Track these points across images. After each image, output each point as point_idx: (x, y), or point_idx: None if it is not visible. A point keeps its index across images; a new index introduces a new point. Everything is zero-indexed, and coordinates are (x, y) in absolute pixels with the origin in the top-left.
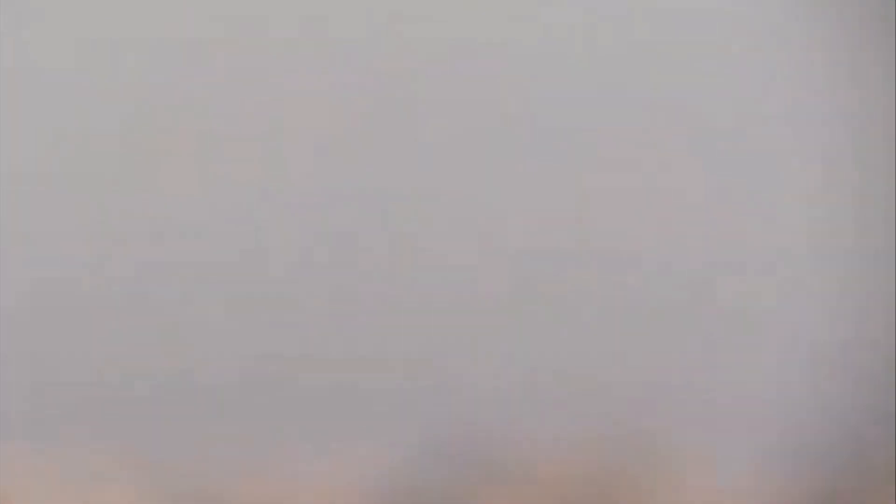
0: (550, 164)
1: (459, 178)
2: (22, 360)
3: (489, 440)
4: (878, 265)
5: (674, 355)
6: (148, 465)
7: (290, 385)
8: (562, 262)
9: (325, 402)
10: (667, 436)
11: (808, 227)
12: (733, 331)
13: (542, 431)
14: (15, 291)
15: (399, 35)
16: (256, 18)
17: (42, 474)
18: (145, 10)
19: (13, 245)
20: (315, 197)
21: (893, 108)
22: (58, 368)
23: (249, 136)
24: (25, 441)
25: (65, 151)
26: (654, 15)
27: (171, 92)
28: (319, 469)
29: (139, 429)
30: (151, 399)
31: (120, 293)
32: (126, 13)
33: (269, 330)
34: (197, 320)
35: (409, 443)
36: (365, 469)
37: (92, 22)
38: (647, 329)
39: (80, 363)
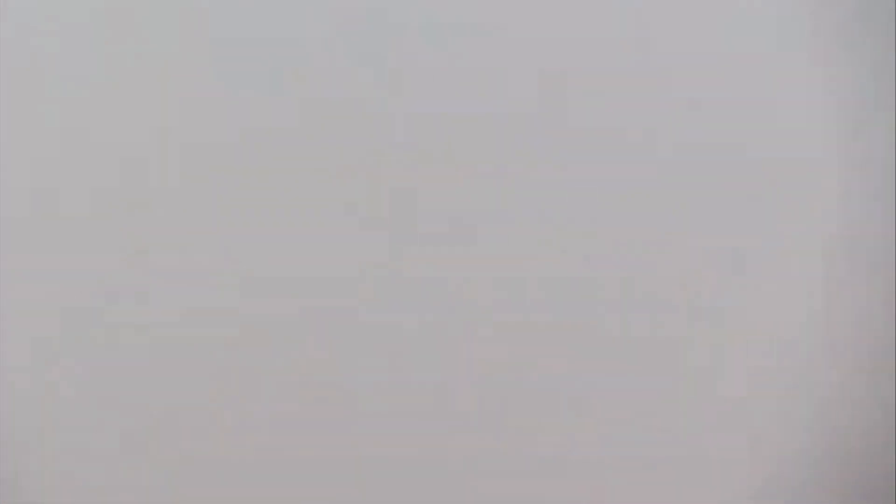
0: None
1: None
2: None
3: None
4: (878, 265)
5: (673, 354)
6: None
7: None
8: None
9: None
10: (660, 439)
11: (806, 228)
12: (731, 330)
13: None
14: None
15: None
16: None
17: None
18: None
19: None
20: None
21: (894, 108)
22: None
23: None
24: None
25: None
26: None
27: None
28: None
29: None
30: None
31: None
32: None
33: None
34: None
35: None
36: None
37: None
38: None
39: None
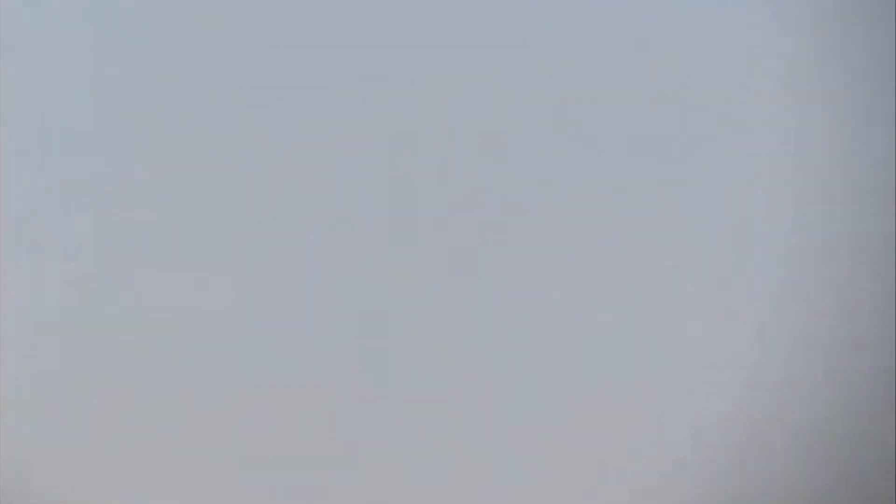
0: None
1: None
2: None
3: None
4: (878, 265)
5: (673, 354)
6: None
7: None
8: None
9: None
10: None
11: (807, 228)
12: (732, 331)
13: None
14: None
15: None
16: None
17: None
18: None
19: None
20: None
21: (894, 108)
22: None
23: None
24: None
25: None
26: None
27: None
28: None
29: None
30: None
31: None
32: None
33: None
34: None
35: None
36: None
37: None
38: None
39: None
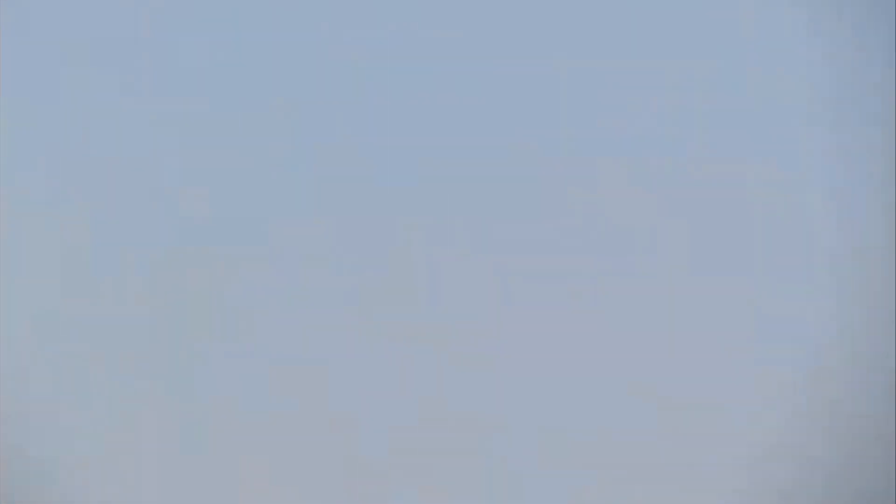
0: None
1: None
2: None
3: None
4: (877, 265)
5: (676, 356)
6: None
7: None
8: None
9: None
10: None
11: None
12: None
13: None
14: None
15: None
16: None
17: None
18: None
19: None
20: None
21: (894, 108)
22: None
23: None
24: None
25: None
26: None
27: None
28: None
29: None
30: None
31: None
32: None
33: None
34: None
35: None
36: None
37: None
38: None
39: None
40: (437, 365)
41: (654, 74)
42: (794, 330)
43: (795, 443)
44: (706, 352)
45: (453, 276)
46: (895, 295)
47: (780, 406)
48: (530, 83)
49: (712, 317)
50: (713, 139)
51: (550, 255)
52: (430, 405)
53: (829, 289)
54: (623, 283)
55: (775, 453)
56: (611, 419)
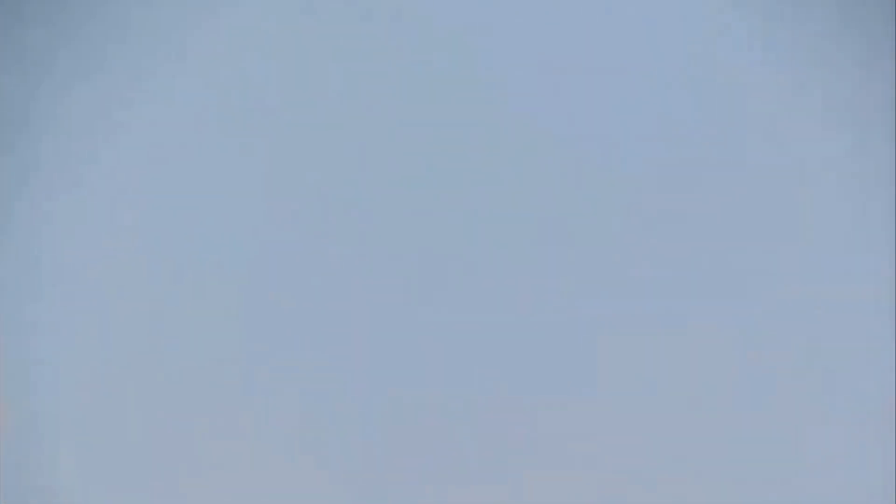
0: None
1: None
2: None
3: None
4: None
5: (678, 363)
6: None
7: None
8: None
9: None
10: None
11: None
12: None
13: None
14: None
15: None
16: None
17: None
18: None
19: None
20: None
21: (893, 108)
22: None
23: None
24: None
25: None
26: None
27: None
28: None
29: None
30: None
31: None
32: None
33: None
34: None
35: None
36: None
37: None
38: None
39: None
40: (439, 364)
41: (654, 77)
42: (795, 330)
43: (795, 442)
44: (707, 352)
45: (453, 275)
46: (895, 295)
47: (780, 406)
48: (545, 87)
49: (712, 317)
50: (715, 141)
51: (552, 255)
52: (430, 405)
53: (829, 289)
54: (623, 282)
55: (775, 453)
56: (611, 419)
